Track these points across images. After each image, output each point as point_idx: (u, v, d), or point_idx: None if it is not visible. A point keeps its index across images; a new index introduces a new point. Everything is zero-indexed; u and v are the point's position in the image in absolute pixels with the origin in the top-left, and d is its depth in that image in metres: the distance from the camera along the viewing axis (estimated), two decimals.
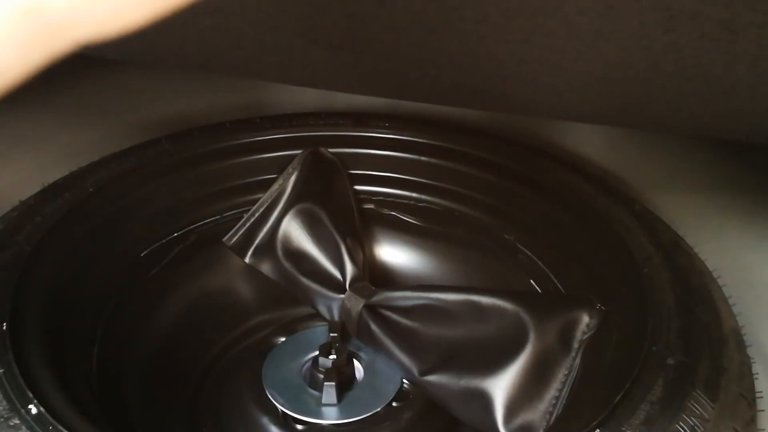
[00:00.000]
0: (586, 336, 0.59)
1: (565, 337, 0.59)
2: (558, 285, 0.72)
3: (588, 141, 0.89)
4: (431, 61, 0.44)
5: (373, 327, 0.67)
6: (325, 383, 0.65)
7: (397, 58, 0.45)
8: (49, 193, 0.70)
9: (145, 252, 0.73)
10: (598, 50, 0.36)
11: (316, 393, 0.66)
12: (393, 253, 0.83)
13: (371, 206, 0.84)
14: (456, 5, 0.35)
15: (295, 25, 0.43)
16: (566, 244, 0.72)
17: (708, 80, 0.37)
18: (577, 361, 0.59)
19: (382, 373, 0.69)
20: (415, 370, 0.65)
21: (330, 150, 0.82)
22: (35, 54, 0.16)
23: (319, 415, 0.64)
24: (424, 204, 0.82)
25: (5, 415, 0.47)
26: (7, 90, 0.16)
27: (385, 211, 0.83)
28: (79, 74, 0.89)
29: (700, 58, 0.34)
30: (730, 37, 0.31)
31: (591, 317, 0.59)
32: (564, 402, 0.58)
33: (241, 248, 0.78)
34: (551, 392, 0.58)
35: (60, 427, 0.46)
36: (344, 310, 0.70)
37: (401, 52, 0.44)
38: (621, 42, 0.35)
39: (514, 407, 0.59)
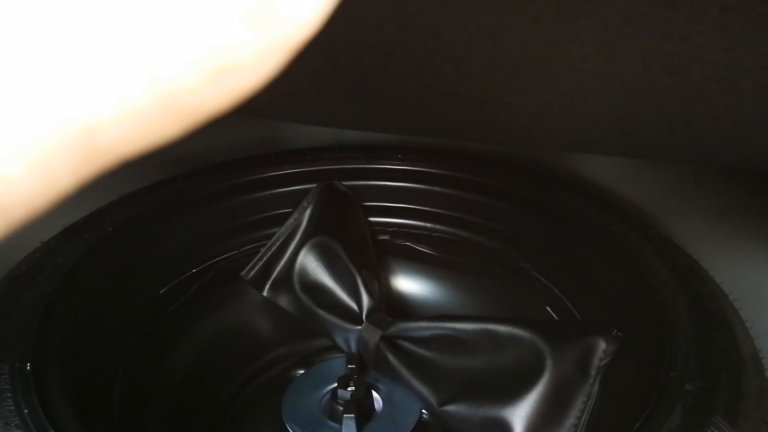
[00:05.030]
0: (603, 363, 0.59)
1: (583, 365, 0.59)
2: (574, 312, 0.71)
3: (601, 168, 0.89)
4: (440, 104, 0.45)
5: (391, 358, 0.68)
6: (345, 416, 0.65)
7: (407, 101, 0.46)
8: (69, 233, 0.70)
9: (164, 289, 0.74)
10: (604, 92, 0.36)
11: (335, 425, 0.66)
12: (409, 284, 0.84)
13: (386, 237, 0.84)
14: (462, 54, 0.36)
15: (308, 73, 0.44)
16: (582, 271, 0.72)
17: (712, 117, 0.37)
18: (596, 388, 0.59)
19: (400, 404, 0.69)
20: (433, 401, 0.65)
21: (344, 183, 0.82)
22: (84, 170, 0.17)
23: None
24: (439, 234, 0.82)
25: None
26: (56, 203, 0.17)
27: (400, 242, 0.83)
28: None
29: (703, 97, 0.34)
30: (732, 78, 0.32)
31: (608, 344, 0.59)
32: (583, 430, 0.58)
33: (259, 282, 0.78)
34: (570, 420, 0.58)
35: None
36: (361, 341, 0.70)
37: (411, 96, 0.45)
38: (625, 85, 0.35)
39: None
